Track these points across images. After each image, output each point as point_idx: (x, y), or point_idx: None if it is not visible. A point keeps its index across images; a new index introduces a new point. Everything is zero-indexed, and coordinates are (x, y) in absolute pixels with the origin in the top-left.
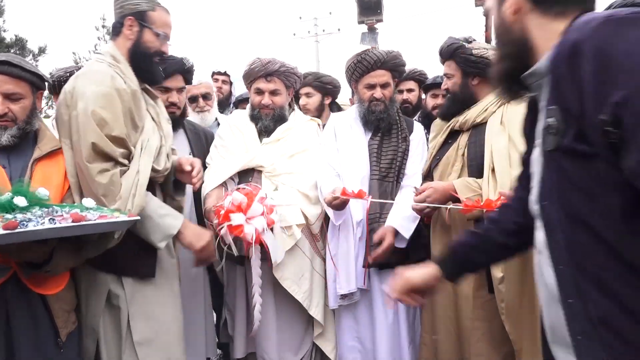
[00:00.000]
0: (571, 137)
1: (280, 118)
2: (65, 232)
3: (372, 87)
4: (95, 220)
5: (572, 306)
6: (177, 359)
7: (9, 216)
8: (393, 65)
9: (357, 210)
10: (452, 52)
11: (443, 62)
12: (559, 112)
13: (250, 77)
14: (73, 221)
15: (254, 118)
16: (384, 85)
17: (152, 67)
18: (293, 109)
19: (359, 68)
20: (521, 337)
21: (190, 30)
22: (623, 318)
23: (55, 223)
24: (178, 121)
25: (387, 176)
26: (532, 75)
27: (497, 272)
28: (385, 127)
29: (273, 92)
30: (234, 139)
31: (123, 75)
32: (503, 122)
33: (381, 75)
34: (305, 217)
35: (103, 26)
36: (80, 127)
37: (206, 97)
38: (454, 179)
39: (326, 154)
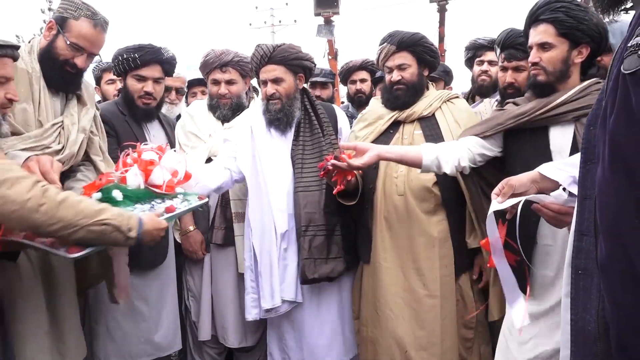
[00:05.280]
0: None
1: (238, 107)
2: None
3: (265, 83)
4: (181, 208)
5: (584, 240)
6: None
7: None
8: (282, 58)
9: (282, 221)
10: (415, 42)
11: (393, 54)
12: None
13: (206, 69)
14: (166, 211)
15: (212, 107)
16: (275, 81)
17: (57, 74)
18: (252, 97)
19: (253, 65)
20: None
21: (144, 18)
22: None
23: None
24: (152, 112)
25: (310, 186)
26: None
27: None
28: (283, 126)
29: (229, 82)
30: (197, 128)
31: (22, 59)
32: (457, 121)
33: (271, 71)
34: None
35: (49, 9)
36: None
37: (179, 91)
38: (400, 167)
39: (229, 151)
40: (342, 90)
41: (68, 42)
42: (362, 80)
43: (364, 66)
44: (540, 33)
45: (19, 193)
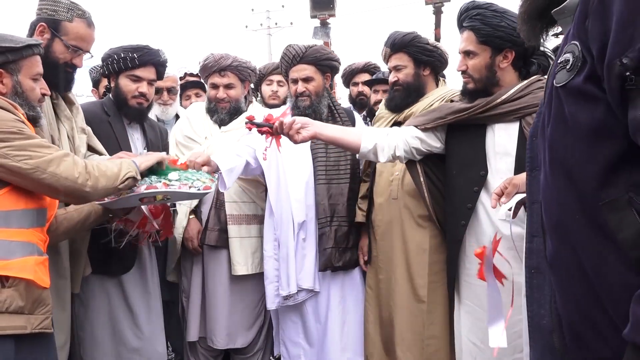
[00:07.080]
0: (583, 76)
1: (235, 111)
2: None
3: (295, 81)
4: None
5: (534, 241)
6: None
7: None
8: (314, 59)
9: (300, 211)
10: (407, 43)
11: (390, 56)
12: (578, 48)
13: (205, 72)
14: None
15: (210, 111)
16: (306, 80)
17: (59, 77)
18: (251, 101)
19: (283, 63)
20: None
21: (140, 20)
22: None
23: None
24: (145, 113)
25: (334, 178)
26: (563, 13)
27: None
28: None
29: (227, 86)
30: (193, 131)
31: None
32: None
33: (302, 70)
34: None
35: None
36: None
37: (171, 90)
38: (400, 169)
39: (250, 140)
40: (340, 92)
41: (69, 46)
42: (364, 83)
43: (367, 69)
44: (464, 41)
45: (68, 171)
